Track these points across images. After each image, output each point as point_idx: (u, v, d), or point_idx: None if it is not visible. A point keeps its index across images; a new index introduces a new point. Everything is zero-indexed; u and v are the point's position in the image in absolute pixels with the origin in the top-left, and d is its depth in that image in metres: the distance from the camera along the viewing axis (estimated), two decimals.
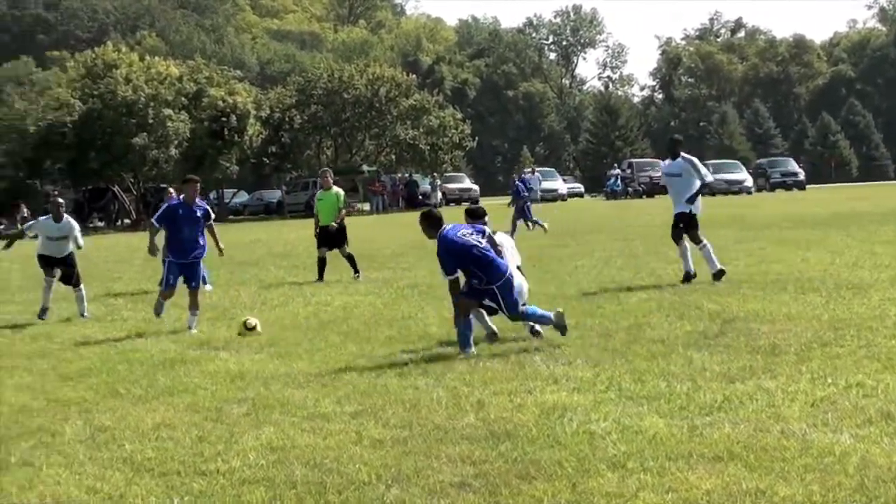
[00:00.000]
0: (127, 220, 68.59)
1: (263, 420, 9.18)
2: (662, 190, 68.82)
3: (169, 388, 10.86)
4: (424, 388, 10.03)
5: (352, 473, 7.33)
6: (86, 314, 17.55)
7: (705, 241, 16.81)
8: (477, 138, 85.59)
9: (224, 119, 67.18)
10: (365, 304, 16.82)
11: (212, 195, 76.08)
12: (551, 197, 68.23)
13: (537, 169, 74.12)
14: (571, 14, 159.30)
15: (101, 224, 68.02)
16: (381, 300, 17.31)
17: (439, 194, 70.82)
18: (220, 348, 13.39)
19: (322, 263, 21.45)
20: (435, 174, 75.52)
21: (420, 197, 71.38)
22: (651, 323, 12.98)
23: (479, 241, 11.73)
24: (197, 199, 15.65)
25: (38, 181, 66.88)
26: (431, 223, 12.09)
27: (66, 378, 11.79)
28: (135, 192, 69.12)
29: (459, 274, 11.70)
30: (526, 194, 34.12)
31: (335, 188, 21.78)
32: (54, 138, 63.15)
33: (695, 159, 17.04)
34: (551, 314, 11.80)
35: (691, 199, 16.69)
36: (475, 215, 12.79)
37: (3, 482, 7.67)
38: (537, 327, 12.33)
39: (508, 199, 36.53)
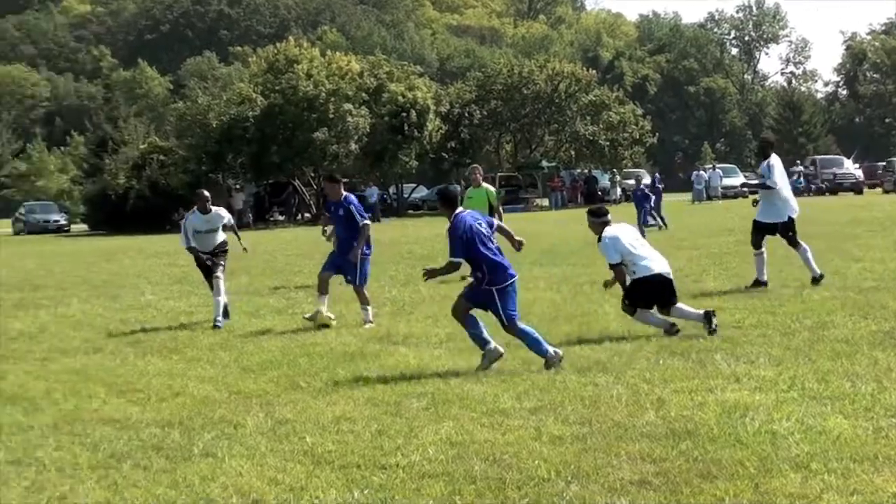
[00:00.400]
0: (307, 215, 69.90)
1: (443, 415, 9.25)
2: (846, 188, 67.72)
3: (349, 381, 11.01)
4: (604, 385, 10.00)
5: (531, 469, 7.35)
6: (220, 320, 16.21)
7: (804, 245, 16.52)
8: (657, 134, 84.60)
9: (404, 114, 67.83)
10: (544, 301, 16.78)
11: (391, 190, 77.09)
12: (732, 194, 67.00)
13: (718, 165, 73.16)
14: (754, 9, 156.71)
15: (281, 218, 69.54)
16: (560, 296, 17.26)
17: (619, 190, 70.28)
18: (399, 343, 13.52)
19: None
20: (614, 170, 74.99)
21: (599, 193, 71.02)
22: (834, 322, 12.72)
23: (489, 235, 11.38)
24: (348, 197, 15.74)
25: (220, 175, 68.69)
26: (597, 217, 12.75)
27: (247, 370, 12.08)
28: (315, 187, 70.38)
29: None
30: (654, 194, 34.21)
31: (485, 185, 21.48)
32: (236, 133, 64.74)
33: (773, 163, 16.61)
34: (548, 349, 11.12)
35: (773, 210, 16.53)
36: (597, 215, 12.96)
37: (186, 472, 7.89)
38: (675, 324, 12.46)
39: (689, 196, 36.30)
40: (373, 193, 67.14)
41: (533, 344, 11.21)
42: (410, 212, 74.11)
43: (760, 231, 16.77)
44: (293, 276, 24.25)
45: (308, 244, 35.13)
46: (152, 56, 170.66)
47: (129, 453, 8.48)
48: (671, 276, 12.74)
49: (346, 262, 15.61)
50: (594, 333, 13.05)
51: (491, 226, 11.49)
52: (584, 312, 15.09)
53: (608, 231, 12.68)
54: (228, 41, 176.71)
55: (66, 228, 75.65)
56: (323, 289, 15.68)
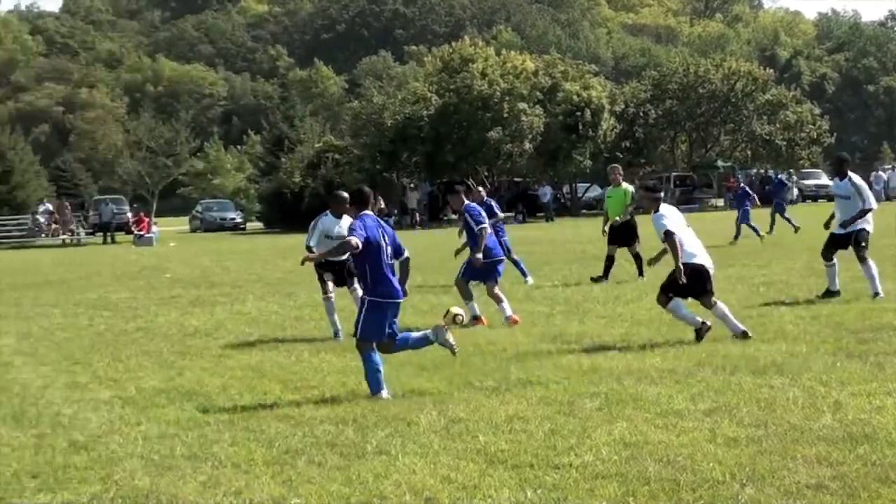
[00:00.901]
0: None
1: (616, 415, 9.21)
2: None
3: (522, 380, 11.04)
4: (780, 387, 9.87)
5: (705, 472, 7.28)
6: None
7: (870, 261, 16.20)
8: (835, 134, 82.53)
9: (578, 113, 67.61)
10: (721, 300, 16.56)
11: (565, 189, 76.89)
12: None
13: None
14: None
15: (454, 217, 70.05)
16: (735, 296, 16.99)
17: (795, 190, 68.74)
18: (572, 342, 13.51)
19: (610, 262, 21.37)
20: (791, 170, 73.42)
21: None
22: None
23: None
24: (467, 206, 16.37)
25: (394, 174, 69.58)
26: (652, 192, 13.32)
27: (421, 369, 12.19)
28: (489, 186, 70.80)
29: None
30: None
31: (624, 185, 21.59)
32: (411, 132, 65.47)
33: (861, 183, 16.36)
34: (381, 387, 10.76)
35: (849, 223, 16.19)
36: (651, 190, 13.49)
37: (360, 469, 8.00)
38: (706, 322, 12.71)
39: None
40: (546, 193, 67.11)
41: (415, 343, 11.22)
42: (584, 211, 73.77)
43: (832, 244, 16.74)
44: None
45: None
46: (328, 55, 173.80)
47: (303, 449, 8.64)
48: (712, 271, 12.96)
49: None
50: (770, 335, 12.88)
51: (396, 247, 11.03)
52: (760, 314, 14.86)
53: (663, 208, 13.03)
54: (404, 40, 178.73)
55: (241, 226, 77.57)
56: (465, 295, 16.06)
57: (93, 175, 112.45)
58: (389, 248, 10.84)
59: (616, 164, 23.71)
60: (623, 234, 21.44)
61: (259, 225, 78.39)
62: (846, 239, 16.45)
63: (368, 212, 10.89)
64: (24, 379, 12.49)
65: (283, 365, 12.92)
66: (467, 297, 16.08)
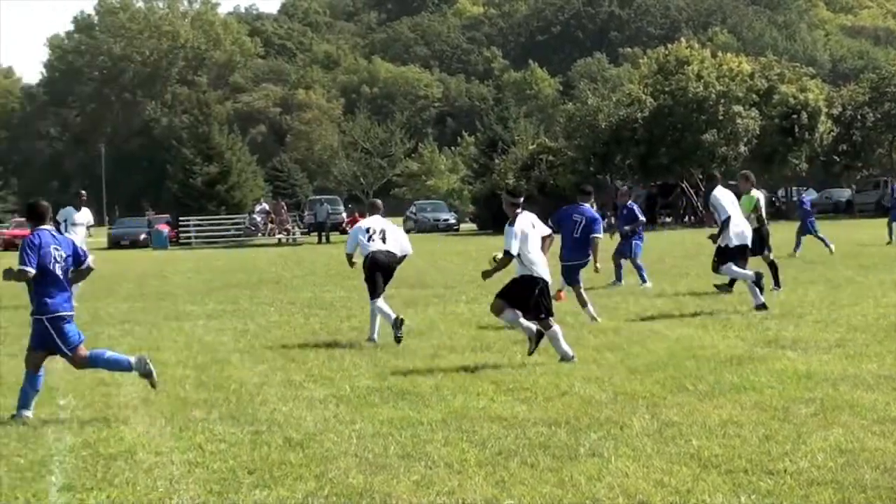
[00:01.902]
0: (693, 217, 69.42)
1: (832, 421, 9.05)
2: None
3: (736, 385, 10.91)
4: None
5: None
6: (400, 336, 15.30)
7: None
8: None
9: (794, 116, 66.17)
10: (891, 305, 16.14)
11: (780, 192, 75.20)
12: None
13: None
14: None
15: (668, 220, 69.29)
16: None
17: None
18: (787, 347, 13.29)
19: (772, 267, 20.84)
20: None
21: None
22: None
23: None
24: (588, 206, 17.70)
25: (608, 176, 69.30)
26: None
27: (633, 371, 12.11)
28: (703, 189, 69.78)
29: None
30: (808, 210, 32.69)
31: (753, 192, 21.09)
32: (625, 134, 65.16)
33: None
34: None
35: None
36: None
37: (572, 471, 8.00)
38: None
39: None
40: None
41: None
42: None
43: None
44: (679, 280, 24.09)
45: (694, 246, 34.82)
46: (543, 57, 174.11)
47: (516, 451, 8.67)
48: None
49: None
50: None
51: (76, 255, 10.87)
52: None
53: (520, 220, 13.09)
54: (618, 42, 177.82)
55: (454, 227, 78.31)
56: (581, 301, 17.27)
57: (308, 175, 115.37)
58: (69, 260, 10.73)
59: (747, 171, 23.25)
60: (753, 243, 21.09)
61: (472, 227, 79.00)
62: None
63: (45, 227, 10.77)
64: (241, 376, 12.83)
65: (496, 366, 12.97)
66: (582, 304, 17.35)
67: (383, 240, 16.16)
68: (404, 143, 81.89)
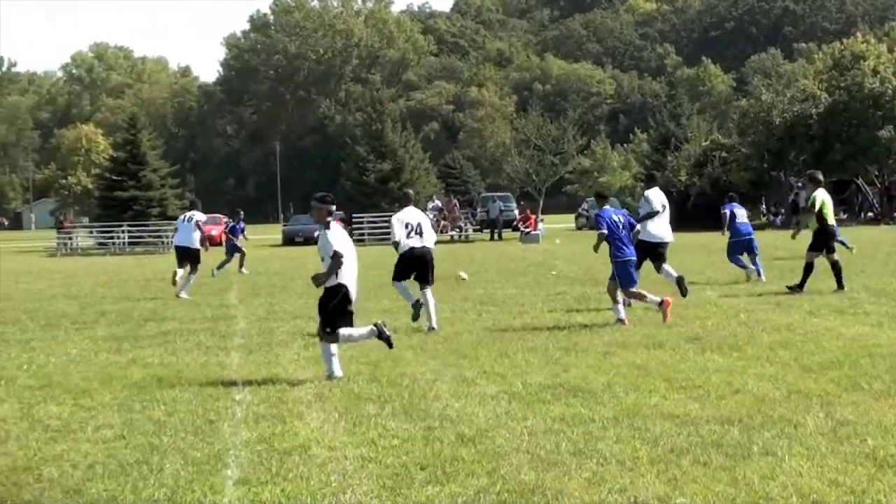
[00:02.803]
0: (870, 214, 67.66)
1: None
2: None
3: None
4: None
5: None
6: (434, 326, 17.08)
7: None
8: None
9: None
10: None
11: None
12: None
13: None
14: None
15: (843, 216, 67.60)
16: None
17: None
18: None
19: (834, 268, 20.84)
20: None
21: None
22: None
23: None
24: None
25: (781, 173, 67.95)
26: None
27: (807, 370, 11.92)
28: (878, 186, 67.92)
29: None
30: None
31: (817, 192, 21.02)
32: (799, 130, 63.81)
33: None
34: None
35: None
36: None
37: (745, 470, 7.93)
38: None
39: None
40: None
41: None
42: None
43: None
44: (855, 277, 23.49)
45: (871, 244, 33.95)
46: (716, 53, 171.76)
47: (688, 449, 8.62)
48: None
49: None
50: None
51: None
52: None
53: (333, 227, 13.00)
54: (793, 37, 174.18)
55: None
56: (614, 297, 17.57)
57: (480, 172, 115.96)
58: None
59: (812, 171, 22.72)
60: (819, 241, 20.92)
61: None
62: None
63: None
64: (414, 372, 12.96)
65: (668, 363, 12.89)
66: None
67: (420, 234, 17.72)
68: (576, 139, 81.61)
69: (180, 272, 26.66)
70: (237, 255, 35.38)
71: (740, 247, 25.00)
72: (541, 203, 76.14)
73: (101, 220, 72.74)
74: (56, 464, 8.91)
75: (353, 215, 69.60)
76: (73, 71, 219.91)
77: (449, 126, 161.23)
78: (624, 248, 17.36)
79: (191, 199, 30.60)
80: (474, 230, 67.73)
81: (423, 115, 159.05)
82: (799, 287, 20.87)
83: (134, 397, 11.77)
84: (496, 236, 63.53)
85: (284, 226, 75.95)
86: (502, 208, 66.64)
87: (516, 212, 68.18)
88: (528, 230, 59.95)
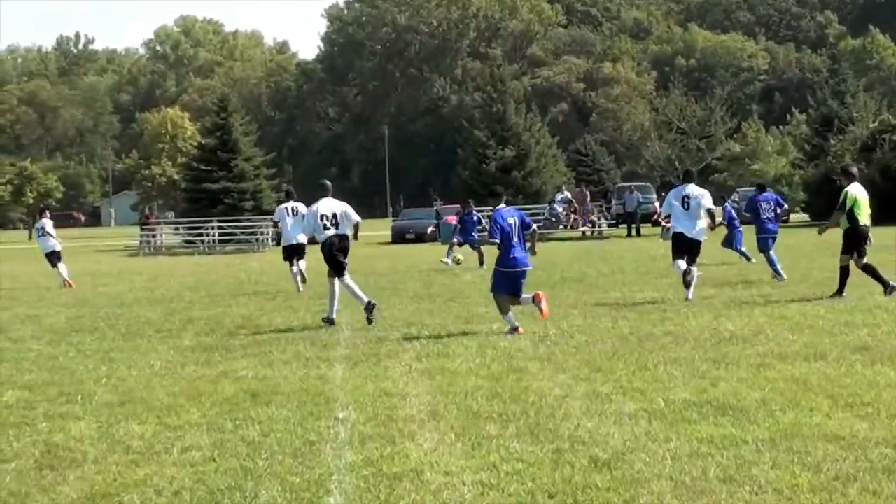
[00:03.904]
0: None
1: None
2: None
3: None
4: None
5: None
6: None
7: None
8: None
9: None
10: None
11: None
12: None
13: None
14: None
15: None
16: None
17: None
18: None
19: (867, 271, 21.15)
20: None
21: None
22: None
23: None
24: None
25: None
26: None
27: None
28: None
29: None
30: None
31: (850, 187, 21.35)
32: None
33: None
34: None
35: None
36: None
37: None
38: None
39: None
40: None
41: None
42: None
43: None
44: None
45: None
46: (885, 22, 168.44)
47: (855, 476, 8.51)
48: None
49: None
50: None
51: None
52: None
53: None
54: None
55: (783, 218, 76.58)
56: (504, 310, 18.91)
57: (616, 159, 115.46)
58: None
59: (846, 164, 22.80)
60: (850, 243, 21.41)
61: (804, 217, 77.24)
62: None
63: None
64: (540, 387, 12.94)
65: (832, 377, 12.72)
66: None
67: (336, 225, 20.52)
68: (725, 121, 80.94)
69: (296, 268, 28.30)
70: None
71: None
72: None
73: (188, 215, 74.07)
74: (138, 490, 9.08)
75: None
76: (157, 48, 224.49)
77: (579, 107, 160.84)
78: (508, 255, 18.49)
79: (287, 188, 31.39)
80: (608, 225, 67.47)
81: (550, 95, 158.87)
82: (838, 293, 21.41)
83: (225, 415, 11.95)
84: (633, 232, 63.20)
85: (394, 221, 76.36)
86: (640, 200, 66.20)
87: (656, 204, 67.67)
88: (668, 225, 59.43)
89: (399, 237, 66.68)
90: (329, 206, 20.72)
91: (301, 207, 28.08)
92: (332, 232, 20.48)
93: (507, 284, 18.60)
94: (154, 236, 70.09)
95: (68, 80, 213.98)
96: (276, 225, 30.46)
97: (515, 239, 18.38)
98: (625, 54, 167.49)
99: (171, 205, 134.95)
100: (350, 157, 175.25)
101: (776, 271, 26.91)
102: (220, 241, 67.18)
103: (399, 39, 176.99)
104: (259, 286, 30.88)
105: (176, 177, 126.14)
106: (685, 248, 22.39)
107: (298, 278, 28.23)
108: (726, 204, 35.84)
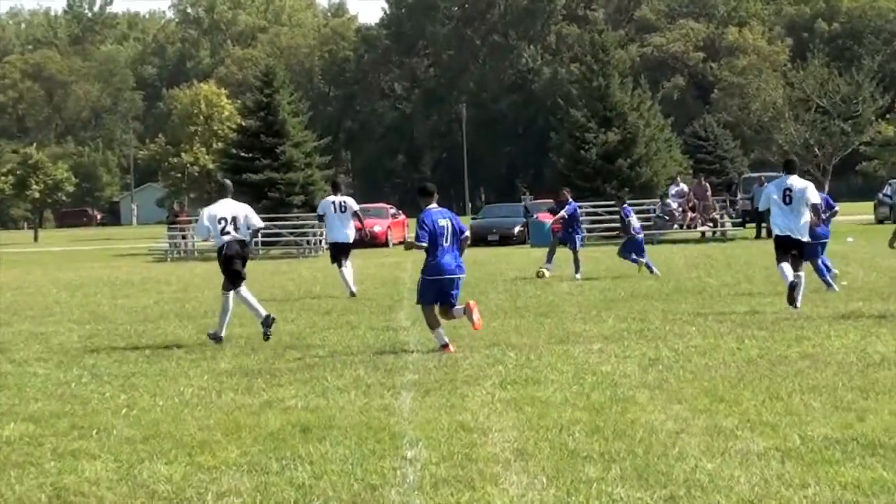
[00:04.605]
0: None
1: None
2: None
3: None
4: None
5: None
6: None
7: None
8: None
9: None
10: None
11: None
12: None
13: None
14: None
15: None
16: None
17: None
18: None
19: None
20: None
21: None
22: None
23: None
24: None
25: None
26: None
27: None
28: None
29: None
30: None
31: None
32: None
33: None
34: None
35: None
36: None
37: None
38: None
39: None
40: None
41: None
42: None
43: None
44: None
45: None
46: None
47: None
48: None
49: None
50: None
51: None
52: None
53: None
54: None
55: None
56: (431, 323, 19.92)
57: (742, 144, 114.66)
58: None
59: None
60: None
61: None
62: None
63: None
64: (650, 421, 12.92)
65: None
66: None
67: (235, 228, 21.65)
68: (875, 98, 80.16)
69: (344, 271, 29.58)
70: None
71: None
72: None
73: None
74: None
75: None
76: (188, 10, 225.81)
77: (698, 81, 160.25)
78: (436, 261, 19.29)
79: (334, 180, 32.33)
80: (733, 224, 67.12)
81: (662, 67, 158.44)
82: None
83: (269, 453, 12.03)
84: (763, 232, 62.78)
85: (473, 219, 76.18)
86: None
87: None
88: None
89: (480, 239, 66.16)
90: (228, 208, 21.94)
91: (350, 202, 28.79)
92: (230, 237, 21.67)
93: (436, 295, 19.37)
94: (184, 237, 70.27)
95: (81, 50, 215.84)
96: (320, 220, 31.42)
97: (446, 243, 19.17)
98: (753, 17, 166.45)
99: (204, 199, 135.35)
100: (420, 142, 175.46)
101: (826, 281, 27.70)
102: (264, 244, 67.07)
103: (480, 0, 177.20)
104: (310, 298, 31.05)
105: (210, 166, 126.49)
106: (787, 248, 23.37)
107: (350, 280, 29.48)
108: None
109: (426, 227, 19.09)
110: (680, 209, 66.50)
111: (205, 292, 35.52)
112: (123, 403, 15.35)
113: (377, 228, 63.92)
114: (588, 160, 74.68)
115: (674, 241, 61.44)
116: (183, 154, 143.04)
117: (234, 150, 79.36)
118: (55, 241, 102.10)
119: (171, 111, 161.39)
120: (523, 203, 74.13)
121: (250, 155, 74.57)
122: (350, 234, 29.91)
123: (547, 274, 35.45)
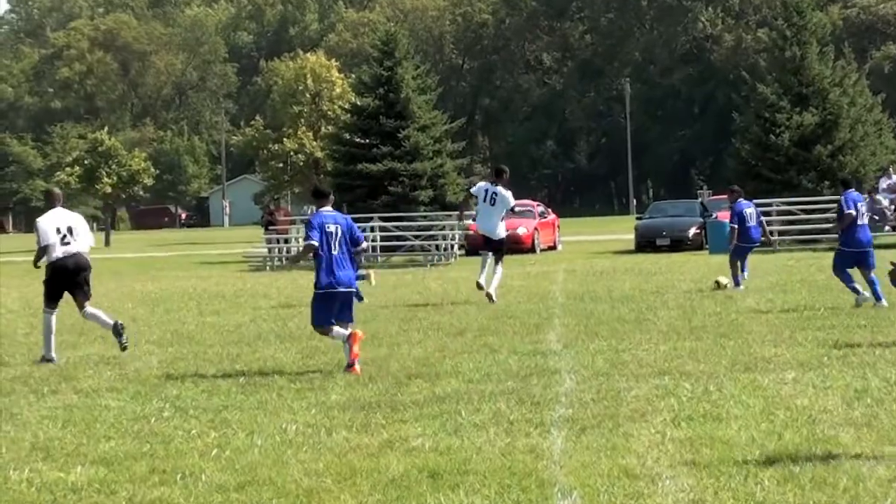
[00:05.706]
0: None
1: None
2: None
3: None
4: None
5: None
6: None
7: None
8: None
9: None
10: None
11: None
12: None
13: None
14: None
15: None
16: None
17: None
18: None
19: None
20: None
21: None
22: None
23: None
24: None
25: None
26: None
27: None
28: None
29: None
30: None
31: None
32: None
33: None
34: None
35: None
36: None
37: None
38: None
39: None
40: None
41: None
42: None
43: None
44: None
45: None
46: None
47: None
48: None
49: None
50: None
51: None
52: None
53: None
54: None
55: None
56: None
57: None
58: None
59: None
60: None
61: None
62: None
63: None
64: (857, 467, 12.80)
65: None
66: None
67: (74, 241, 23.56)
68: None
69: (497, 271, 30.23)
70: None
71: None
72: None
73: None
74: None
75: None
76: None
77: None
78: (323, 271, 20.31)
79: (499, 166, 32.89)
80: None
81: (871, 32, 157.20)
82: None
83: (392, 503, 12.13)
84: None
85: (638, 218, 75.79)
86: None
87: None
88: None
89: (647, 242, 65.75)
90: (63, 217, 23.90)
91: (504, 196, 28.97)
92: (70, 248, 23.66)
93: (327, 311, 20.52)
94: (286, 241, 70.19)
95: (162, 14, 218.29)
96: (465, 202, 32.01)
97: (335, 251, 20.01)
98: None
99: (308, 196, 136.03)
100: (574, 124, 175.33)
101: (853, 290, 29.29)
102: (384, 249, 67.19)
103: None
104: (440, 315, 31.08)
105: (319, 154, 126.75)
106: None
107: (494, 283, 30.01)
108: None
109: (314, 231, 20.10)
110: (892, 206, 65.87)
111: (309, 308, 35.71)
112: (214, 443, 15.48)
113: (521, 231, 63.55)
114: (779, 147, 73.98)
115: (885, 247, 60.76)
116: (285, 140, 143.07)
117: (346, 136, 79.21)
118: (131, 245, 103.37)
119: (271, 88, 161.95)
120: (700, 199, 73.77)
121: (367, 141, 74.45)
122: (499, 231, 30.21)
123: (729, 285, 35.34)
